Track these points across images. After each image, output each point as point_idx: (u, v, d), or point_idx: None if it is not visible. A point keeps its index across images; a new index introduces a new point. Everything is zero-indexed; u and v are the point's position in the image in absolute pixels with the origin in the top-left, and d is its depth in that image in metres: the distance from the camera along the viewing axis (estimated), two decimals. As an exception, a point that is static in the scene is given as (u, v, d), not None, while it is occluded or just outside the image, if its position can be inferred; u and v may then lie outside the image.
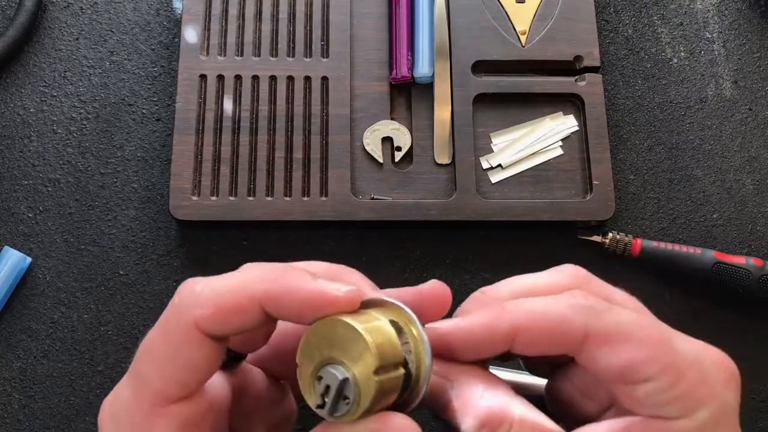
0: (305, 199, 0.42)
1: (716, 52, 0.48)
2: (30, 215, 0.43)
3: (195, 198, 0.41)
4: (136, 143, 0.44)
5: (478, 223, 0.42)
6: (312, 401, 0.22)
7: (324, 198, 0.42)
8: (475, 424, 0.22)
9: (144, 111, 0.45)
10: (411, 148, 0.44)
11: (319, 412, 0.22)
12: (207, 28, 0.44)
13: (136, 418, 0.23)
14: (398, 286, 0.26)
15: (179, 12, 0.47)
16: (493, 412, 0.22)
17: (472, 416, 0.22)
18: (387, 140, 0.44)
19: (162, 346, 0.23)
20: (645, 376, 0.23)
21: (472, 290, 0.26)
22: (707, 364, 0.24)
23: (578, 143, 0.44)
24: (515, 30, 0.46)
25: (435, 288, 0.26)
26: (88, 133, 0.44)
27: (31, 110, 0.45)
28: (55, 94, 0.45)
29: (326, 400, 0.22)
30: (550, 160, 0.44)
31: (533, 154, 0.44)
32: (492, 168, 0.43)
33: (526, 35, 0.45)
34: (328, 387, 0.22)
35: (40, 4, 0.46)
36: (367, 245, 0.43)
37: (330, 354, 0.22)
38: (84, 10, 0.47)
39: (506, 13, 0.46)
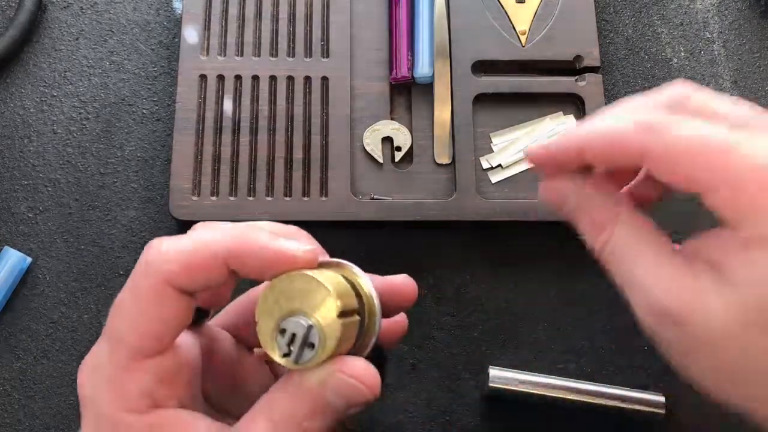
0: (305, 199, 0.42)
1: (716, 52, 0.48)
2: (30, 215, 0.43)
3: (195, 198, 0.41)
4: (136, 143, 0.44)
5: (478, 223, 0.42)
6: (276, 353, 0.23)
7: (324, 198, 0.42)
8: None
9: (144, 111, 0.45)
10: (411, 148, 0.44)
11: (284, 362, 0.23)
12: (207, 28, 0.44)
13: (113, 374, 0.24)
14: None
15: (179, 12, 0.47)
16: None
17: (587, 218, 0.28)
18: (387, 140, 0.44)
19: (134, 304, 0.24)
20: (703, 189, 0.23)
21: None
22: None
23: (578, 143, 0.44)
24: (515, 30, 0.46)
25: (406, 282, 0.28)
26: (88, 133, 0.44)
27: (31, 110, 0.45)
28: (55, 94, 0.45)
29: (292, 349, 0.23)
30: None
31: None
32: (492, 168, 0.43)
33: (526, 35, 0.45)
34: (293, 336, 0.23)
35: (40, 4, 0.46)
36: (367, 245, 0.43)
37: (291, 306, 0.23)
38: (84, 10, 0.47)
39: (506, 13, 0.46)
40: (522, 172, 0.44)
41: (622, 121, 0.26)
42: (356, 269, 0.26)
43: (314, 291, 0.23)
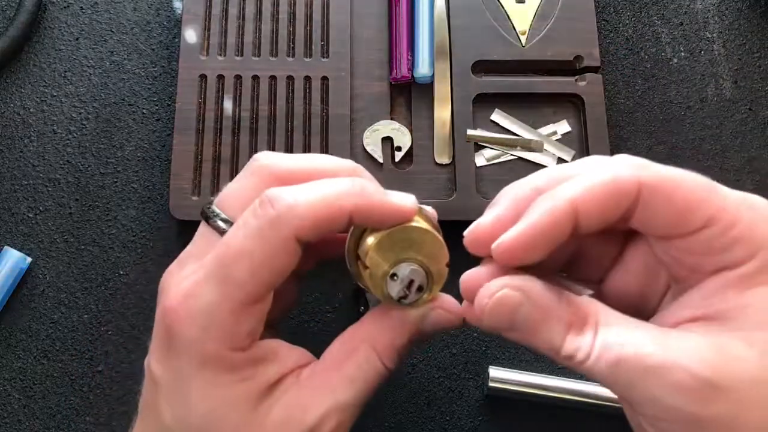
0: (305, 199, 0.42)
1: (716, 52, 0.48)
2: (30, 215, 0.43)
3: (195, 198, 0.41)
4: (136, 143, 0.44)
5: (478, 223, 0.42)
6: (393, 293, 0.27)
7: (324, 198, 0.42)
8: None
9: (144, 111, 0.45)
10: (411, 148, 0.44)
11: (400, 302, 0.27)
12: (207, 28, 0.44)
13: (225, 318, 0.25)
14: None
15: (179, 12, 0.47)
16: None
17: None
18: (387, 140, 0.44)
19: (258, 253, 0.25)
20: (702, 219, 0.23)
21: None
22: (760, 206, 0.24)
23: (578, 143, 0.44)
24: (515, 30, 0.46)
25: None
26: (88, 133, 0.44)
27: (31, 110, 0.45)
28: (55, 94, 0.45)
29: (407, 292, 0.27)
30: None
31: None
32: (488, 164, 0.44)
33: (526, 35, 0.45)
34: (411, 281, 0.27)
35: (40, 4, 0.46)
36: (367, 245, 0.43)
37: (405, 254, 0.26)
38: (84, 10, 0.47)
39: (506, 13, 0.46)
40: (513, 160, 0.44)
41: (600, 168, 0.25)
42: (429, 211, 0.29)
43: (429, 242, 0.27)
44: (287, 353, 0.28)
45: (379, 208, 0.26)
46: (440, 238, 0.27)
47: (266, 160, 0.28)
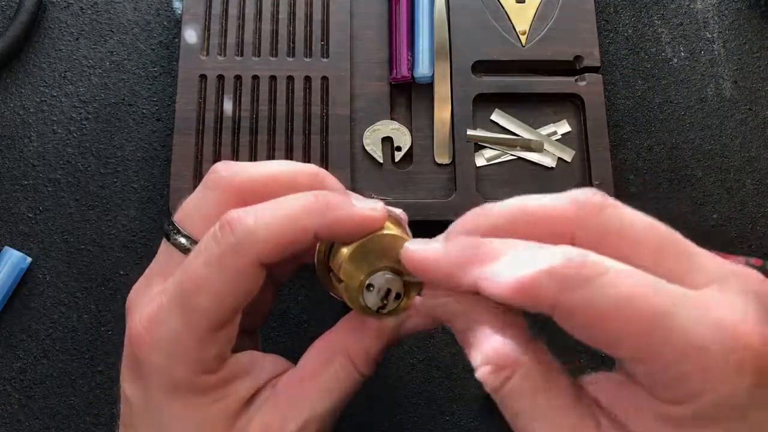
0: (305, 199, 0.42)
1: (716, 52, 0.48)
2: (30, 215, 0.43)
3: (195, 198, 0.41)
4: (136, 143, 0.44)
5: (478, 223, 0.42)
6: (371, 305, 0.26)
7: (324, 198, 0.42)
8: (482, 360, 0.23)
9: (144, 111, 0.45)
10: (411, 148, 0.44)
11: (378, 313, 0.26)
12: (207, 28, 0.44)
13: (191, 345, 0.25)
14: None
15: (179, 12, 0.47)
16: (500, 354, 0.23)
17: (481, 354, 0.23)
18: (387, 140, 0.44)
19: (219, 281, 0.24)
20: (628, 357, 0.21)
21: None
22: (714, 348, 0.20)
23: (578, 143, 0.44)
24: (515, 30, 0.46)
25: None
26: (88, 133, 0.44)
27: (31, 110, 0.45)
28: (55, 94, 0.45)
29: (386, 301, 0.26)
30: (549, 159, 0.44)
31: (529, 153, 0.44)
32: (488, 164, 0.44)
33: (526, 35, 0.45)
34: (388, 291, 0.26)
35: (40, 4, 0.46)
36: (367, 245, 0.43)
37: (379, 264, 0.26)
38: (84, 10, 0.47)
39: (506, 13, 0.46)
40: (522, 171, 0.44)
41: (526, 262, 0.22)
42: (396, 213, 0.28)
43: (402, 248, 0.25)
44: (260, 365, 0.27)
45: (345, 222, 0.25)
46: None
47: (225, 171, 0.27)
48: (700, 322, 0.20)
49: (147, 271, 0.28)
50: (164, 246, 0.28)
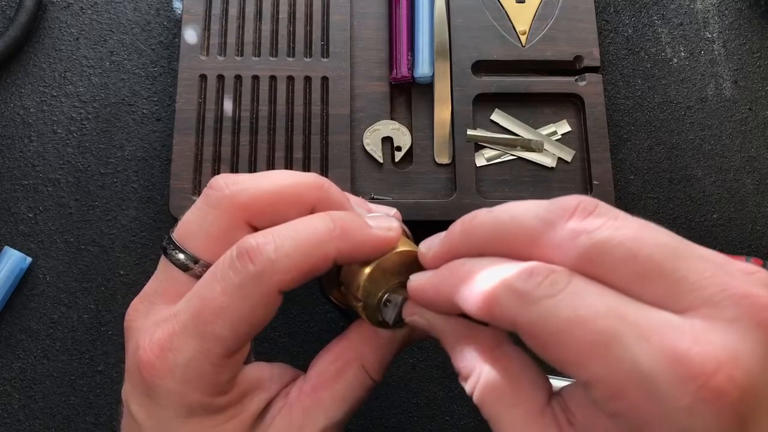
0: (305, 199, 0.42)
1: (716, 52, 0.48)
2: (30, 215, 0.43)
3: (195, 198, 0.41)
4: (136, 143, 0.44)
5: (478, 223, 0.42)
6: (389, 319, 0.26)
7: (324, 198, 0.42)
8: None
9: (144, 111, 0.45)
10: (411, 148, 0.44)
11: (394, 326, 0.27)
12: (207, 28, 0.44)
13: (206, 370, 0.25)
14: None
15: (179, 12, 0.47)
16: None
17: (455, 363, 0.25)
18: (387, 140, 0.44)
19: (239, 310, 0.24)
20: (579, 380, 0.21)
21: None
22: (663, 380, 0.18)
23: (578, 143, 0.44)
24: (515, 30, 0.46)
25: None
26: (88, 133, 0.44)
27: (31, 110, 0.45)
28: (55, 94, 0.45)
29: (402, 315, 0.26)
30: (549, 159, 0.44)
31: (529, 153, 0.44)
32: (488, 164, 0.44)
33: (526, 35, 0.45)
34: (402, 302, 0.26)
35: (40, 4, 0.46)
36: (367, 245, 0.43)
37: (395, 280, 0.26)
38: (84, 10, 0.47)
39: (506, 13, 0.46)
40: (522, 172, 0.44)
41: (492, 277, 0.22)
42: (392, 214, 0.29)
43: (415, 261, 0.26)
44: (269, 377, 0.27)
45: (363, 245, 0.26)
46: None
47: (227, 188, 0.26)
48: (645, 350, 0.19)
49: (146, 288, 0.28)
50: (163, 263, 0.27)
